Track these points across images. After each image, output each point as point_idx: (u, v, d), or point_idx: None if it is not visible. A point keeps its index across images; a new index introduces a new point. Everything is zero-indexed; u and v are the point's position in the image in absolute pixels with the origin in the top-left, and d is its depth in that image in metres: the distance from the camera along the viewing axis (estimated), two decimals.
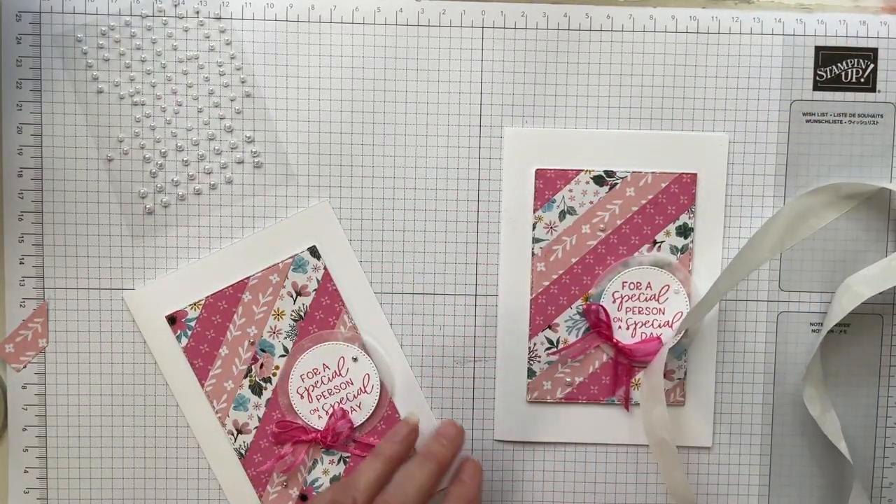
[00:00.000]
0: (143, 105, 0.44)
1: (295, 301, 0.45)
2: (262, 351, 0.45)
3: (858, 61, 0.45)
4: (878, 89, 0.45)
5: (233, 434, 0.45)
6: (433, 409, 0.46)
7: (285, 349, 0.45)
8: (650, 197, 0.44)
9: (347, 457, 0.45)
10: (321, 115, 0.45)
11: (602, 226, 0.45)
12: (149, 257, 0.45)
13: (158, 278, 0.45)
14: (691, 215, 0.44)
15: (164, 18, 0.44)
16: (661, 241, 0.45)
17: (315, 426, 0.45)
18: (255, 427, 0.45)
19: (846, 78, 0.45)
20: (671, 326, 0.45)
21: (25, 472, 0.45)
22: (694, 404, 0.45)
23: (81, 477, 0.46)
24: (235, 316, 0.45)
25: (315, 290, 0.45)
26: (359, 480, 0.40)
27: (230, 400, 0.45)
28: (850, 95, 0.45)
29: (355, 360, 0.45)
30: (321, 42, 0.45)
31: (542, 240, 0.45)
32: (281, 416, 0.45)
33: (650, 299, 0.45)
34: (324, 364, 0.45)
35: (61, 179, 0.45)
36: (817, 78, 0.45)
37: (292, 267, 0.45)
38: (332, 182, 0.45)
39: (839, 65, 0.45)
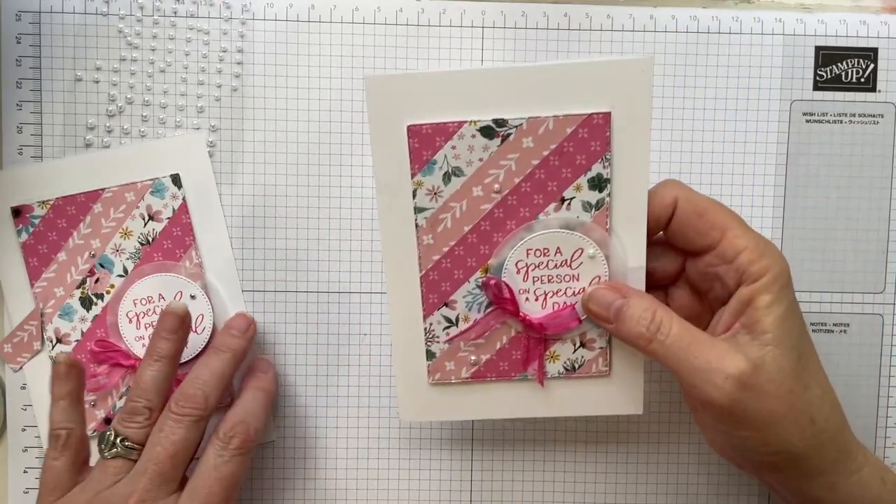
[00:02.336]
0: (144, 105, 0.44)
1: (146, 224, 0.44)
2: (101, 266, 0.44)
3: (858, 61, 0.45)
4: (878, 89, 0.45)
5: (51, 341, 0.44)
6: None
7: (125, 270, 0.44)
8: (553, 147, 0.37)
9: None
10: (320, 114, 0.45)
11: (497, 186, 0.38)
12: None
13: (11, 167, 0.44)
14: (606, 164, 0.37)
15: (164, 18, 0.44)
16: (571, 198, 0.38)
17: (137, 354, 0.44)
18: (76, 340, 0.44)
19: (846, 78, 0.45)
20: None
21: (25, 472, 0.45)
22: (620, 372, 0.40)
23: None
24: (82, 224, 0.44)
25: (169, 218, 0.44)
26: (143, 382, 0.39)
27: (57, 307, 0.44)
28: (850, 95, 0.45)
29: (193, 297, 0.44)
30: (321, 42, 0.44)
31: (426, 209, 0.38)
32: (104, 335, 0.44)
33: (561, 265, 0.39)
34: (160, 294, 0.44)
35: None
36: (817, 78, 0.45)
37: (151, 189, 0.44)
38: (331, 182, 0.45)
39: (839, 65, 0.45)
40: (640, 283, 0.38)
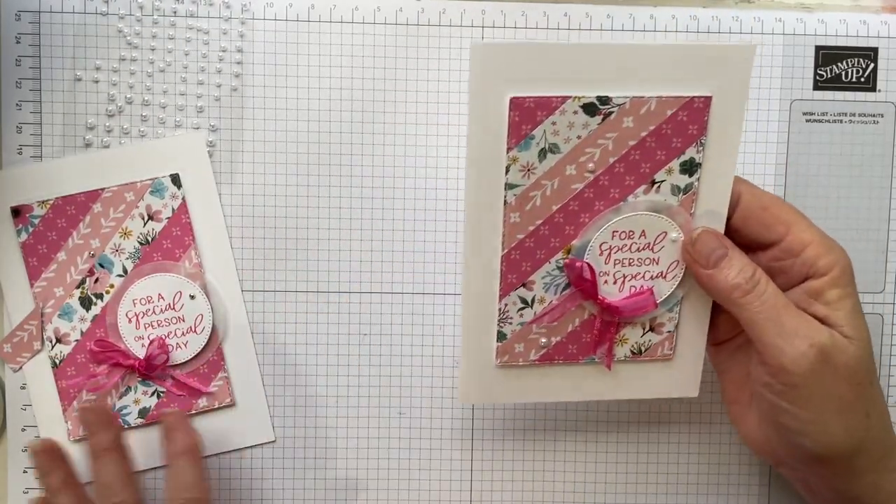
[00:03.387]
0: (144, 105, 0.44)
1: (145, 224, 0.44)
2: (101, 266, 0.44)
3: (858, 61, 0.45)
4: (878, 89, 0.45)
5: (51, 341, 0.44)
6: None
7: (124, 269, 0.44)
8: (652, 128, 0.37)
9: (162, 391, 0.45)
10: (320, 114, 0.45)
11: (591, 165, 0.37)
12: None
13: (11, 167, 0.44)
14: (700, 148, 0.37)
15: (163, 18, 0.44)
16: (662, 181, 0.37)
17: (136, 354, 0.44)
18: (76, 340, 0.44)
19: (846, 77, 0.45)
20: (665, 278, 0.39)
21: (24, 472, 0.45)
22: (683, 357, 0.41)
23: None
24: (81, 224, 0.44)
25: (168, 218, 0.44)
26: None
27: (57, 307, 0.44)
28: (850, 95, 0.45)
29: (192, 297, 0.44)
30: (321, 42, 0.44)
31: (518, 185, 0.37)
32: (104, 334, 0.44)
33: (643, 249, 0.38)
34: (159, 294, 0.44)
35: None
36: (817, 77, 0.45)
37: (150, 189, 0.44)
38: (331, 182, 0.45)
39: (839, 64, 0.45)
40: None
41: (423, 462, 0.46)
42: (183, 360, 0.45)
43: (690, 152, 0.37)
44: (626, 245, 0.38)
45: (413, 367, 0.46)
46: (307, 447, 0.46)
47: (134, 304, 0.44)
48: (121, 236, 0.44)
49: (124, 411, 0.45)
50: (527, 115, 0.36)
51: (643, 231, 0.38)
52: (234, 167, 0.45)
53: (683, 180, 0.37)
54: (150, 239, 0.44)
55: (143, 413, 0.45)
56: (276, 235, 0.45)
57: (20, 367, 0.45)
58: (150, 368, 0.44)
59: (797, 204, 0.45)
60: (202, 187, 0.45)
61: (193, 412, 0.45)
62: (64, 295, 0.44)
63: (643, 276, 0.39)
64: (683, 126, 0.37)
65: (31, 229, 0.44)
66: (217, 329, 0.45)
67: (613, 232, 0.38)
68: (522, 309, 0.39)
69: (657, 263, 0.39)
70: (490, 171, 0.37)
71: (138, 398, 0.45)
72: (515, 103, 0.36)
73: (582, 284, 0.38)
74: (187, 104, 0.44)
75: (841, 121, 0.45)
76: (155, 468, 0.45)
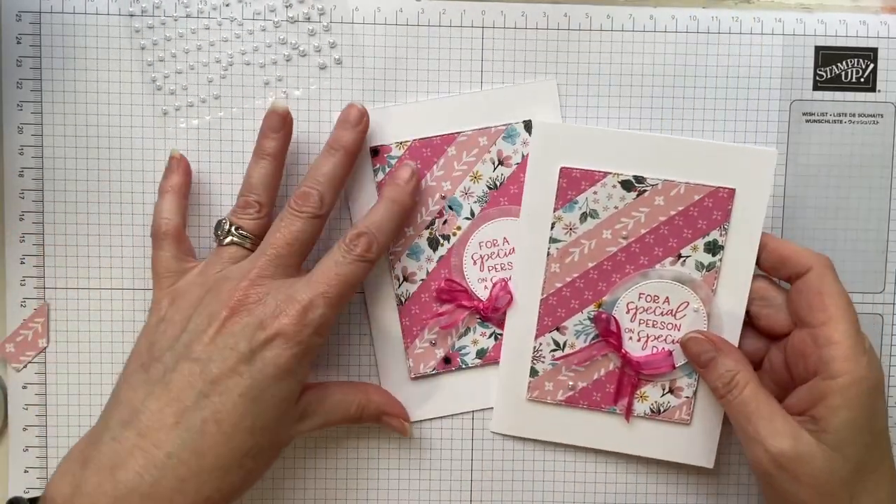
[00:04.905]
0: (148, 105, 0.45)
1: (495, 169, 0.44)
2: (450, 208, 0.45)
3: (858, 61, 0.45)
4: (878, 89, 0.45)
5: (398, 279, 0.45)
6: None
7: (472, 213, 0.45)
8: (680, 209, 0.42)
9: (500, 333, 0.45)
10: (321, 114, 0.45)
11: (625, 233, 0.43)
12: None
13: (376, 109, 0.44)
14: (723, 233, 0.42)
15: (164, 19, 0.44)
16: (687, 256, 0.43)
17: (479, 295, 0.45)
18: (422, 279, 0.45)
19: (846, 78, 0.45)
20: None
21: (25, 472, 0.45)
22: (700, 425, 0.44)
23: None
24: (435, 167, 0.44)
25: (517, 163, 0.44)
26: (252, 178, 0.42)
27: (406, 245, 0.45)
28: (850, 95, 0.45)
29: None
30: (321, 42, 0.45)
31: (560, 241, 0.43)
32: (448, 275, 0.45)
33: (666, 314, 0.43)
34: (504, 238, 0.45)
35: (62, 179, 0.45)
36: (817, 78, 0.45)
37: (503, 135, 0.44)
38: None
39: (839, 65, 0.45)
40: (735, 335, 0.42)
41: (423, 462, 0.46)
42: None
43: (714, 234, 0.42)
44: (651, 307, 0.43)
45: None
46: (307, 447, 0.46)
47: (480, 246, 0.45)
48: (471, 180, 0.45)
49: (463, 351, 0.45)
50: (573, 183, 0.42)
51: (667, 297, 0.43)
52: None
53: (707, 258, 0.42)
54: (498, 184, 0.45)
55: (480, 354, 0.45)
56: None
57: (24, 366, 0.45)
58: (495, 310, 0.44)
59: (797, 204, 0.45)
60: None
61: None
62: (413, 235, 0.45)
63: (664, 339, 0.43)
64: (709, 211, 0.42)
65: (387, 169, 0.44)
66: None
67: (640, 294, 0.43)
68: (554, 350, 0.44)
69: (678, 329, 0.43)
70: (539, 226, 0.43)
71: (476, 339, 0.45)
72: (564, 172, 0.42)
73: (609, 336, 0.43)
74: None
75: (841, 121, 0.45)
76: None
